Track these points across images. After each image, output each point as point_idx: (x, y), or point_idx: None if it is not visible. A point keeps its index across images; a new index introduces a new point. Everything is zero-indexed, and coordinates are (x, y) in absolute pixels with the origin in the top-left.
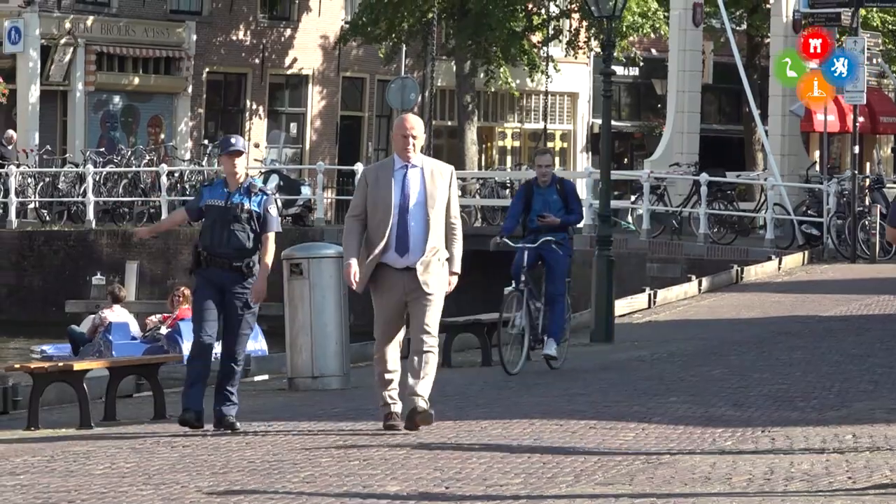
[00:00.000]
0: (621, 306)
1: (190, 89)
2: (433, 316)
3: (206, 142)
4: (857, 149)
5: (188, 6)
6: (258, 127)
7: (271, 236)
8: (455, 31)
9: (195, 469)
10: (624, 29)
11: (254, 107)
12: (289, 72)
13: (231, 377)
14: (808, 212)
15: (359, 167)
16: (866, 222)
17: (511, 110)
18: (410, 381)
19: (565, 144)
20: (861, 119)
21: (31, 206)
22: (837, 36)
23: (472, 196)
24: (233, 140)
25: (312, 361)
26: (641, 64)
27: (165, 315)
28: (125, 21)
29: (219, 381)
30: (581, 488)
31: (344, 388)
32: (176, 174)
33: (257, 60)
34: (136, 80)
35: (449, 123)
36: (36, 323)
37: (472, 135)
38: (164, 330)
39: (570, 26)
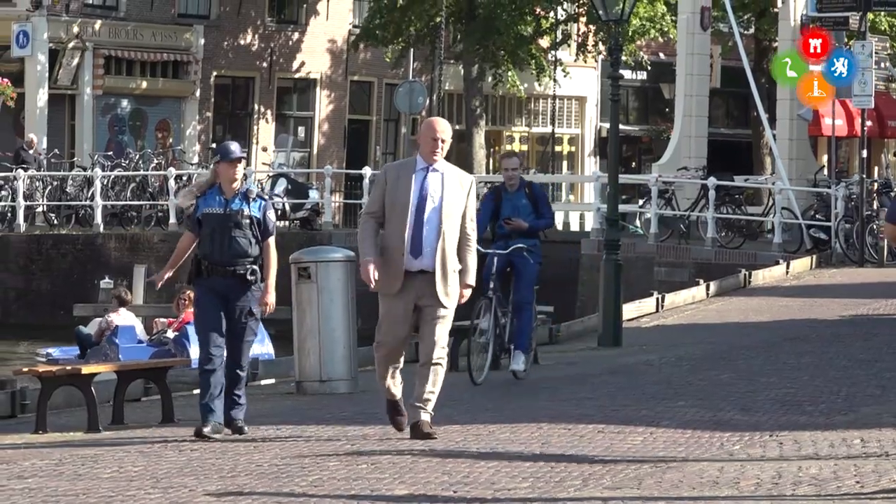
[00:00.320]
0: (629, 310)
1: (198, 93)
2: (445, 329)
3: (214, 145)
4: (865, 153)
5: (196, 10)
6: (266, 131)
7: (272, 242)
8: (463, 35)
9: (203, 473)
10: (630, 33)
11: (262, 110)
12: (297, 75)
13: (237, 382)
14: (816, 216)
15: (367, 171)
16: (874, 226)
17: (519, 114)
18: (416, 392)
19: (573, 148)
20: (869, 123)
21: (40, 209)
22: (846, 40)
23: (480, 200)
24: (233, 147)
25: (320, 365)
26: (649, 68)
27: (171, 319)
28: (133, 25)
29: (226, 387)
30: (589, 492)
31: (352, 392)
32: (184, 178)
33: (265, 64)
34: (144, 84)
35: (457, 127)
36: (44, 327)
37: (480, 139)
38: (170, 334)
39: (578, 30)
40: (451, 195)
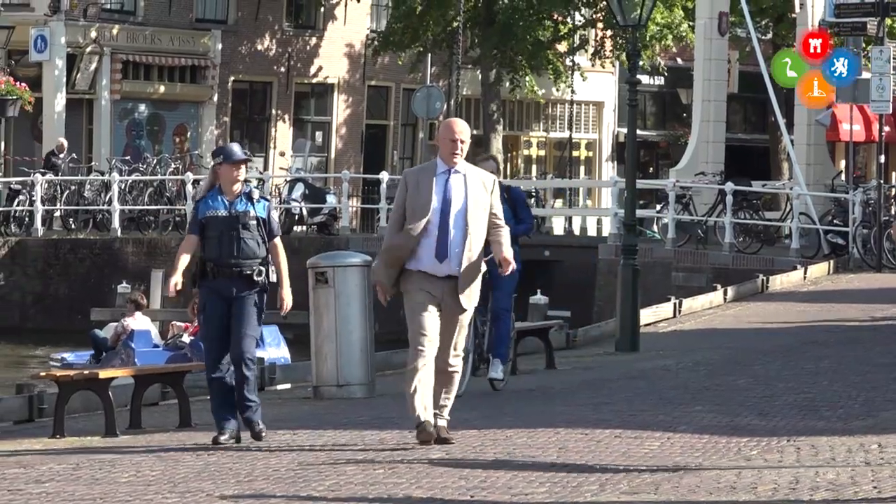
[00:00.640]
0: (646, 315)
1: (215, 98)
2: (463, 335)
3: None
4: (882, 158)
5: (214, 15)
6: (283, 135)
7: (279, 241)
8: (481, 40)
9: (220, 477)
10: (647, 39)
11: (279, 115)
12: (314, 80)
13: (245, 383)
14: (834, 221)
15: (384, 176)
16: (892, 232)
17: (536, 119)
18: (433, 397)
19: (591, 153)
20: (887, 128)
21: (57, 214)
22: (864, 45)
23: None
24: (236, 149)
25: (337, 370)
26: (667, 73)
27: (188, 324)
28: (151, 30)
29: (237, 390)
30: (606, 497)
31: (369, 397)
32: (201, 182)
33: (283, 69)
34: (162, 89)
35: (474, 132)
36: (61, 331)
37: (497, 143)
38: (186, 338)
39: (596, 36)
40: (476, 196)
